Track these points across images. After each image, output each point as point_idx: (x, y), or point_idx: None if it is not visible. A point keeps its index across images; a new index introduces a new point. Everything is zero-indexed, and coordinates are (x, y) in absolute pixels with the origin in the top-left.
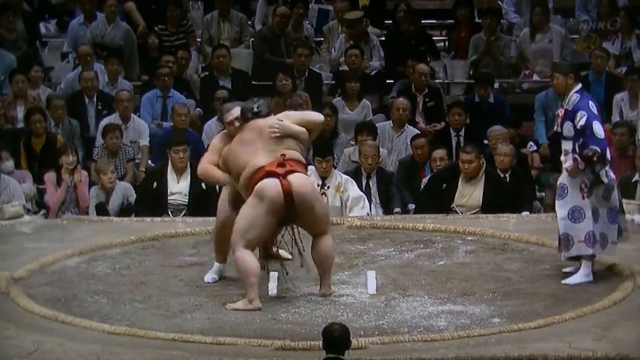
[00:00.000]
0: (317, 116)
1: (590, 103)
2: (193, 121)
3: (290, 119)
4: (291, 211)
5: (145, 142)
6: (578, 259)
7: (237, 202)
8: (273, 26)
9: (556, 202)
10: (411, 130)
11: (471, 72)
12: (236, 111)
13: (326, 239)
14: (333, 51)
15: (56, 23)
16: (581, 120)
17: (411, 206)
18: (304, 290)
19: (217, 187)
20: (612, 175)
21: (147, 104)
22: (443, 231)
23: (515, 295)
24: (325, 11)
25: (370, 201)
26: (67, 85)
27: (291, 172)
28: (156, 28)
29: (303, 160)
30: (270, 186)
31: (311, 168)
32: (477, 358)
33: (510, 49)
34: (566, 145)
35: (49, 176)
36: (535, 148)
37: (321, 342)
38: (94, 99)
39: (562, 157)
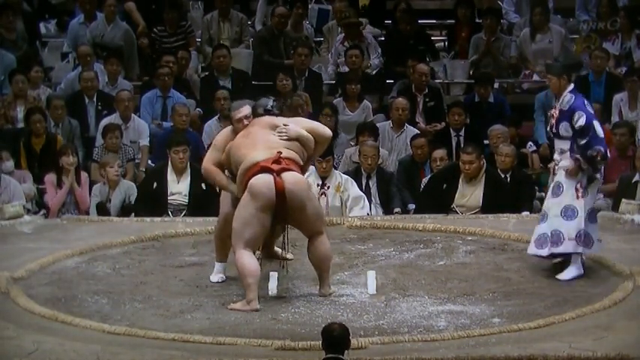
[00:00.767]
0: (326, 130)
1: (586, 102)
2: (193, 121)
3: (303, 123)
4: (283, 208)
5: (145, 142)
6: (557, 256)
7: (236, 200)
8: (272, 26)
9: (551, 199)
10: (410, 130)
11: (471, 72)
12: (245, 109)
13: (321, 240)
14: (331, 54)
15: (56, 23)
16: (579, 120)
17: (411, 206)
18: (304, 290)
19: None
20: (601, 173)
21: (147, 104)
22: (443, 231)
23: (515, 295)
24: (325, 11)
25: (370, 201)
26: (67, 85)
27: (286, 169)
28: (155, 29)
29: (300, 162)
30: (263, 182)
31: (311, 168)
32: (477, 358)
33: (510, 49)
34: (562, 145)
35: (50, 178)
36: (535, 148)
37: (320, 342)
38: (94, 99)
39: (556, 156)
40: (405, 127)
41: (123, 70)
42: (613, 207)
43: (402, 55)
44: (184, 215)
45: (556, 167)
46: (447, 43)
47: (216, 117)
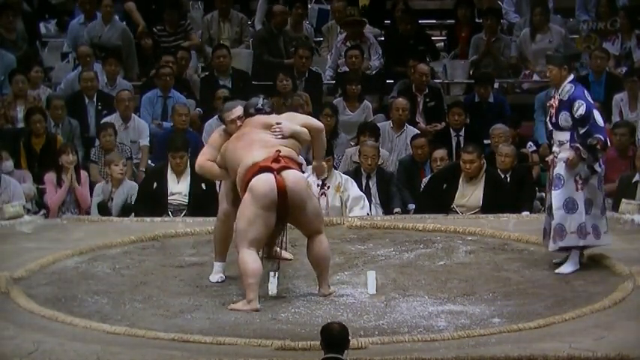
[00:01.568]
0: (318, 123)
1: (585, 92)
2: (193, 121)
3: (294, 120)
4: (284, 207)
5: (145, 142)
6: (566, 250)
7: (235, 197)
8: (271, 26)
9: (552, 192)
10: (411, 130)
11: (471, 72)
12: (237, 110)
13: (320, 239)
14: (331, 54)
15: (56, 23)
16: (579, 109)
17: (411, 206)
18: (304, 290)
19: (218, 186)
20: (602, 165)
21: (147, 104)
22: (443, 231)
23: (515, 295)
24: (325, 11)
25: (370, 201)
26: (67, 85)
27: (286, 168)
28: (154, 29)
29: (298, 160)
30: (264, 181)
31: (310, 168)
32: (477, 358)
33: (510, 49)
34: (561, 136)
35: (49, 177)
36: (535, 148)
37: (320, 342)
38: (94, 99)
39: (555, 148)
40: (405, 127)
41: (122, 70)
42: (613, 207)
43: (402, 55)
44: (184, 215)
45: (555, 159)
46: (446, 43)
47: (216, 117)
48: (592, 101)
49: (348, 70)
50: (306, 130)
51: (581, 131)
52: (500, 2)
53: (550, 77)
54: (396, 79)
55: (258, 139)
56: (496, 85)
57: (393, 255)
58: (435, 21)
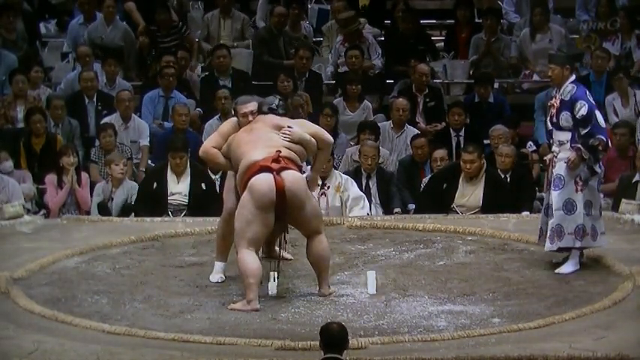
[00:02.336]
0: (329, 136)
1: (587, 92)
2: (193, 121)
3: (305, 128)
4: (283, 207)
5: (145, 142)
6: (563, 250)
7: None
8: (271, 26)
9: (552, 192)
10: (411, 130)
11: (471, 72)
12: (251, 105)
13: (319, 240)
14: (330, 55)
15: (56, 23)
16: (581, 109)
17: (411, 206)
18: (304, 290)
19: (217, 186)
20: (602, 166)
21: (148, 104)
22: (443, 231)
23: (515, 295)
24: (325, 11)
25: (370, 201)
26: (67, 85)
27: (285, 168)
28: (150, 27)
29: (299, 163)
30: (263, 180)
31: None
32: (477, 358)
33: (510, 49)
34: (562, 136)
35: (50, 178)
36: (535, 148)
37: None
38: (94, 99)
39: (555, 148)
40: (405, 128)
41: (121, 70)
42: (613, 207)
43: (402, 55)
44: (184, 215)
45: (554, 159)
46: (446, 43)
47: (217, 117)
48: (594, 102)
49: (348, 70)
50: (314, 141)
51: (583, 132)
52: (500, 2)
53: (552, 77)
54: (396, 79)
55: (266, 137)
56: (496, 85)
57: (393, 255)
58: (434, 21)
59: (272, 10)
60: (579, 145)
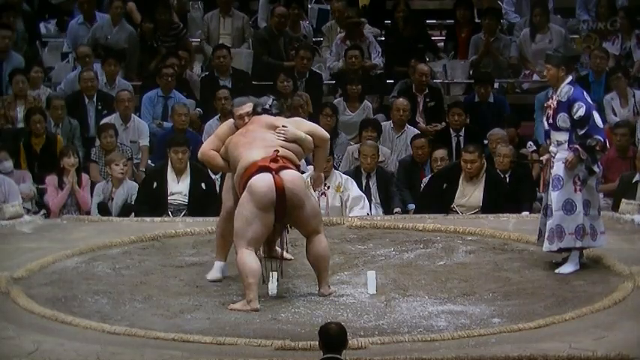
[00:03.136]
0: (324, 132)
1: (585, 93)
2: (193, 121)
3: (300, 127)
4: (283, 207)
5: (145, 142)
6: (563, 251)
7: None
8: (271, 27)
9: (551, 192)
10: (411, 131)
11: (470, 72)
12: (247, 107)
13: (319, 239)
14: (330, 53)
15: (56, 23)
16: (579, 110)
17: (411, 206)
18: (304, 290)
19: (217, 186)
20: (600, 166)
21: (148, 104)
22: (443, 231)
23: (515, 295)
24: (325, 11)
25: (370, 201)
26: (67, 85)
27: (284, 168)
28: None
29: (297, 161)
30: (263, 180)
31: (310, 168)
32: (477, 358)
33: (510, 49)
34: (559, 137)
35: (51, 179)
36: (535, 148)
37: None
38: (94, 99)
39: (552, 148)
40: (405, 128)
41: (121, 70)
42: (613, 207)
43: (403, 55)
44: (184, 215)
45: (552, 159)
46: (446, 43)
47: (217, 117)
48: (591, 102)
49: (347, 70)
50: (311, 138)
51: (580, 132)
52: (500, 2)
53: (547, 77)
54: (396, 79)
55: (261, 138)
56: (496, 85)
57: (393, 255)
58: (434, 21)
59: (273, 10)
60: (577, 146)
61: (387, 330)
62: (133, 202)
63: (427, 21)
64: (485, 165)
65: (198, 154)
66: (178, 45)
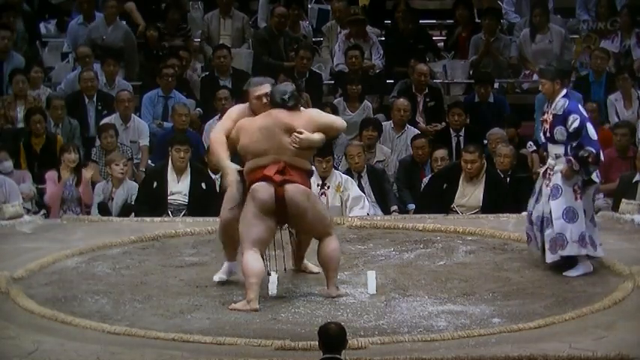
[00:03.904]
0: (341, 123)
1: (579, 105)
2: (193, 121)
3: (319, 119)
4: (284, 215)
5: (145, 142)
6: (566, 259)
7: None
8: (271, 27)
9: (550, 202)
10: (411, 131)
11: (470, 72)
12: (265, 87)
13: (329, 241)
14: (333, 53)
15: (56, 23)
16: (574, 123)
17: (411, 206)
18: (304, 290)
19: (217, 186)
20: (599, 177)
21: (148, 104)
22: (443, 231)
23: (515, 295)
24: (325, 11)
25: None
26: (67, 85)
27: (288, 181)
28: (156, 25)
29: (307, 166)
30: (264, 191)
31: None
32: (477, 358)
33: (510, 49)
34: (557, 150)
35: (51, 175)
36: (534, 148)
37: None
38: (94, 99)
39: (550, 161)
40: (405, 128)
41: (121, 70)
42: (613, 207)
43: (403, 55)
44: (184, 215)
45: (549, 171)
46: (446, 43)
47: (217, 117)
48: (586, 114)
49: (347, 70)
50: (323, 137)
51: (574, 144)
52: (500, 2)
53: (542, 91)
54: (396, 79)
55: (274, 141)
56: (496, 85)
57: (393, 255)
58: (434, 21)
59: (273, 10)
60: (570, 157)
61: (387, 330)
62: (133, 202)
63: (427, 21)
64: (486, 165)
65: (210, 136)
66: (185, 44)
